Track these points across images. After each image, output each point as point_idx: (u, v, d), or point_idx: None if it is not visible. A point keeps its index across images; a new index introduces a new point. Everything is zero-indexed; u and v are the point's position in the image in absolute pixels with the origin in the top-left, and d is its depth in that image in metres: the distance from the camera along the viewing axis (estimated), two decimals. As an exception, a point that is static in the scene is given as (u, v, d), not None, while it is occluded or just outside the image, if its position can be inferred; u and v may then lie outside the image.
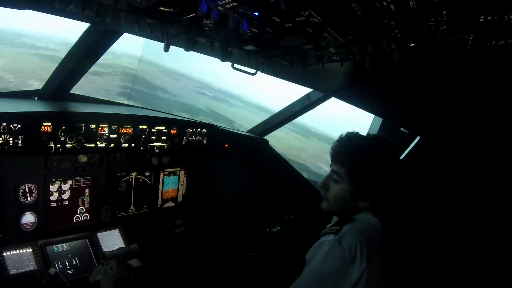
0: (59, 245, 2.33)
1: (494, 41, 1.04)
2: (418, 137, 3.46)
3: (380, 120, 3.50)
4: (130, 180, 2.79)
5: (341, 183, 1.54)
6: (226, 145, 3.43)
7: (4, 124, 1.99)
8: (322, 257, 1.42)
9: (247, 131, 3.91)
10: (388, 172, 1.49)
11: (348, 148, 1.55)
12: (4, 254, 2.08)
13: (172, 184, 3.11)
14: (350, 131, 1.61)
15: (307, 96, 3.35)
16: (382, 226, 1.47)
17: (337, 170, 1.56)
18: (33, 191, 2.24)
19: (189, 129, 3.04)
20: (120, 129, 2.55)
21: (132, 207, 2.83)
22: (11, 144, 2.03)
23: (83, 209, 2.53)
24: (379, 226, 1.46)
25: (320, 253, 1.44)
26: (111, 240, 2.58)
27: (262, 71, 2.09)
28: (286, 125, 3.97)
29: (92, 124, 2.39)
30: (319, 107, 3.43)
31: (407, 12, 0.94)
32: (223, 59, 1.78)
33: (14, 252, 2.13)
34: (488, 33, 0.99)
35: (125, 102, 3.44)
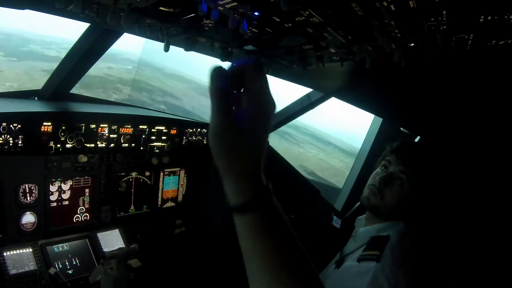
0: (59, 245, 2.33)
1: (494, 41, 1.04)
2: (418, 137, 3.45)
3: (380, 120, 3.50)
4: (130, 180, 2.80)
5: (406, 187, 1.59)
6: None
7: (4, 124, 1.99)
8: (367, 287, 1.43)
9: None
10: (440, 183, 1.61)
11: (423, 156, 1.63)
12: (4, 254, 2.09)
13: (172, 184, 3.11)
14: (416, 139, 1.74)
15: (307, 96, 3.35)
16: (413, 242, 1.52)
17: (408, 173, 1.60)
18: (33, 191, 2.24)
19: (189, 129, 3.04)
20: (120, 129, 2.56)
21: (132, 207, 2.83)
22: (11, 144, 2.03)
23: (83, 209, 2.53)
24: (411, 243, 1.52)
25: (364, 280, 1.43)
26: (111, 240, 2.59)
27: (262, 71, 2.08)
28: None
29: (92, 124, 2.39)
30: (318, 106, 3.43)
31: (407, 12, 0.94)
32: (223, 59, 1.79)
33: (14, 252, 2.13)
34: (488, 33, 0.99)
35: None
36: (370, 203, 1.67)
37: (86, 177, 2.52)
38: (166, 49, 1.47)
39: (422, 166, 1.60)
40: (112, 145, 2.53)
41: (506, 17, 0.85)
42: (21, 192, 2.19)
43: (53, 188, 2.35)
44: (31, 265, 2.14)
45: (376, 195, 1.65)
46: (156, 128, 2.78)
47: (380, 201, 1.64)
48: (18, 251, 2.14)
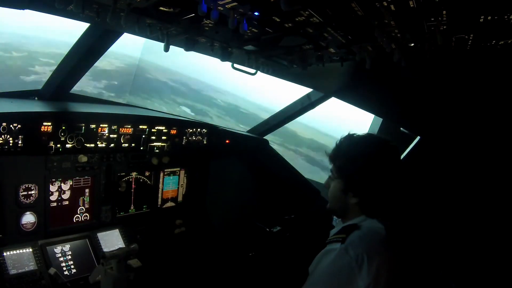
0: (59, 245, 2.33)
1: (494, 41, 1.04)
2: (418, 137, 3.46)
3: (380, 120, 3.50)
4: (130, 180, 2.79)
5: (334, 180, 1.61)
6: (227, 141, 3.42)
7: (4, 124, 1.99)
8: (328, 265, 1.41)
9: (247, 131, 3.91)
10: (375, 168, 1.50)
11: (340, 147, 1.62)
12: (4, 254, 2.09)
13: (172, 184, 3.11)
14: (351, 132, 1.65)
15: (307, 96, 3.35)
16: (386, 232, 1.46)
17: (331, 168, 1.64)
18: (33, 191, 2.24)
19: (189, 129, 3.04)
20: (120, 129, 2.55)
21: (132, 207, 2.83)
22: (11, 144, 2.03)
23: (83, 209, 2.53)
24: (384, 233, 1.46)
25: (326, 261, 1.43)
26: (111, 240, 2.59)
27: (262, 71, 2.09)
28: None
29: (92, 124, 2.39)
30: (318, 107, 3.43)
31: (407, 12, 0.94)
32: (223, 59, 1.79)
33: (14, 252, 2.13)
34: (488, 33, 0.99)
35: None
36: (327, 208, 1.69)
37: (86, 177, 2.52)
38: (166, 49, 1.47)
39: (338, 155, 1.60)
40: (112, 145, 2.53)
41: (506, 17, 0.85)
42: (21, 192, 2.19)
43: (53, 188, 2.35)
44: (31, 265, 2.14)
45: (328, 199, 1.68)
46: (156, 128, 2.78)
47: (328, 203, 1.67)
48: (18, 251, 2.14)
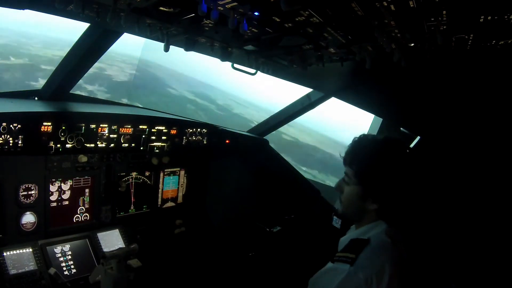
0: (59, 245, 2.33)
1: (494, 41, 1.04)
2: (418, 137, 3.46)
3: (380, 120, 3.50)
4: (130, 180, 2.79)
5: (350, 185, 1.54)
6: (227, 141, 3.42)
7: (4, 124, 1.99)
8: (336, 287, 1.38)
9: (247, 131, 3.91)
10: (396, 174, 1.45)
11: (357, 149, 1.55)
12: (4, 254, 2.09)
13: (172, 184, 3.11)
14: (365, 133, 1.61)
15: (307, 96, 3.35)
16: (395, 247, 1.42)
17: (346, 171, 1.56)
18: (33, 191, 2.24)
19: (189, 129, 3.04)
20: (120, 129, 2.55)
21: (132, 207, 2.83)
22: (11, 144, 2.03)
23: (83, 209, 2.53)
24: (391, 247, 1.42)
25: (334, 282, 1.39)
26: (111, 240, 2.59)
27: (262, 71, 2.09)
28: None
29: (92, 124, 2.39)
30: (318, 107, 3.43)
31: (407, 12, 0.94)
32: (223, 59, 1.79)
33: (14, 252, 2.13)
34: (488, 33, 0.99)
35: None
36: (339, 212, 1.66)
37: (86, 177, 2.52)
38: (166, 49, 1.47)
39: (355, 158, 1.52)
40: (112, 145, 2.53)
41: (506, 17, 0.85)
42: (21, 192, 2.19)
43: (53, 188, 2.35)
44: (31, 265, 2.14)
45: (340, 203, 1.63)
46: (156, 128, 2.78)
47: (342, 207, 1.62)
48: (18, 251, 2.14)
